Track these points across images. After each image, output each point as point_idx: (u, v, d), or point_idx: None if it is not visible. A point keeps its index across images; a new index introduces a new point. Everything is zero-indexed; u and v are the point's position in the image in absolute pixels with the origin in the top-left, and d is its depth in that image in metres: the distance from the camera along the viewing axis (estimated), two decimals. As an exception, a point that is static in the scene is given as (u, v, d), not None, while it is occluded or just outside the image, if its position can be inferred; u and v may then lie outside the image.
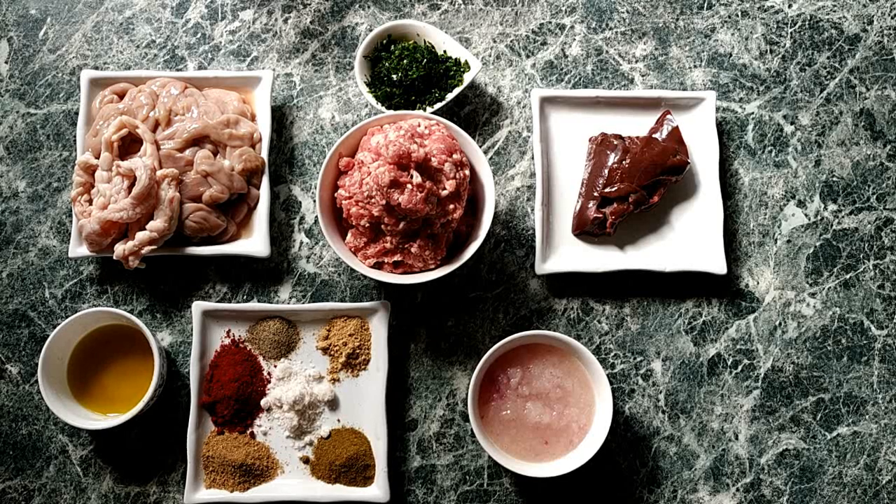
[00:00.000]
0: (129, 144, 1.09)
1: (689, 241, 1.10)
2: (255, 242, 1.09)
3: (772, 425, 1.08)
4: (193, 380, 1.05)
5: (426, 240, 1.00)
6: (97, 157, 1.08)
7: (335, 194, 1.02)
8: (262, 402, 1.06)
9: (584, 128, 1.14)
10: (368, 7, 1.21)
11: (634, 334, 1.10)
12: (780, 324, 1.10)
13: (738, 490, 1.06)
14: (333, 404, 1.07)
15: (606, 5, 1.21)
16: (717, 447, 1.07)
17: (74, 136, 1.15)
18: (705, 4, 1.21)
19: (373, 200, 0.96)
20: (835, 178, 1.15)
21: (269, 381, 1.07)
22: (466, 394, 1.04)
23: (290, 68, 1.18)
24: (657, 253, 1.10)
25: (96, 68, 1.18)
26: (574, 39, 1.19)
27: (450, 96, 1.12)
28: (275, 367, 1.07)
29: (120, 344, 1.05)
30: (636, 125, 1.13)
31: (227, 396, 1.04)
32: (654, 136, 1.10)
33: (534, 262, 1.09)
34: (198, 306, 1.06)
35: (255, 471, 1.03)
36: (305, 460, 1.05)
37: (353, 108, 1.17)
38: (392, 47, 1.14)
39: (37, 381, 1.05)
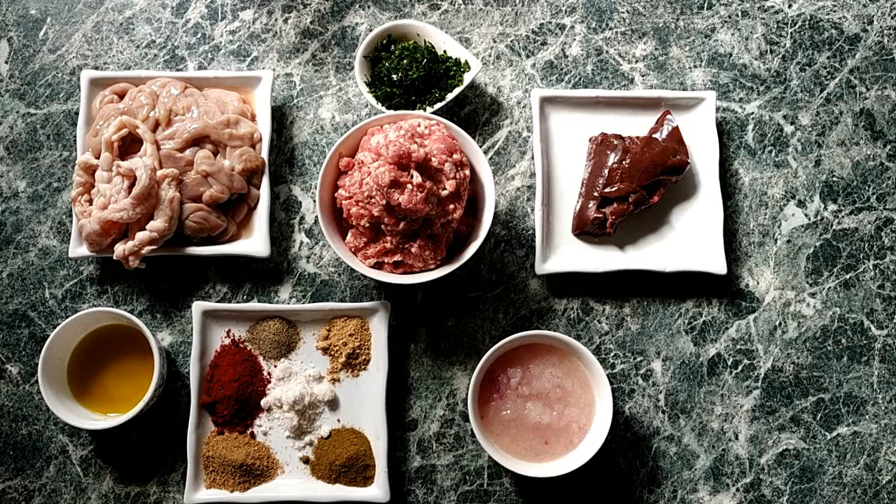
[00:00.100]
0: (129, 144, 1.09)
1: (689, 241, 1.10)
2: (255, 242, 1.09)
3: (772, 425, 1.08)
4: (193, 380, 1.05)
5: (426, 240, 1.00)
6: (97, 157, 1.08)
7: (335, 194, 1.02)
8: (262, 402, 1.06)
9: (584, 128, 1.14)
10: (368, 7, 1.21)
11: (634, 334, 1.10)
12: (780, 324, 1.10)
13: (738, 490, 1.06)
14: (333, 404, 1.07)
15: (606, 5, 1.21)
16: (717, 447, 1.07)
17: (74, 136, 1.15)
18: (705, 4, 1.21)
19: (373, 200, 0.97)
20: (835, 178, 1.15)
21: (269, 381, 1.07)
22: (466, 394, 1.04)
23: (290, 68, 1.18)
24: (657, 253, 1.10)
25: (96, 68, 1.18)
26: (574, 39, 1.20)
27: (450, 96, 1.12)
28: (275, 367, 1.07)
29: (120, 344, 1.05)
30: (636, 125, 1.13)
31: (228, 396, 1.04)
32: (654, 136, 1.10)
33: (534, 262, 1.09)
34: (198, 306, 1.06)
35: (256, 471, 1.03)
36: (305, 460, 1.05)
37: (353, 108, 1.17)
38: (392, 47, 1.14)
39: (37, 381, 1.05)
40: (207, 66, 1.18)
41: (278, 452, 1.05)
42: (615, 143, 1.10)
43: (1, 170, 1.15)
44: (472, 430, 1.05)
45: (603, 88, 1.18)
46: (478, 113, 1.17)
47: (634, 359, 1.09)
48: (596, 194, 1.09)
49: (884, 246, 1.13)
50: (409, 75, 1.11)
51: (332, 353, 1.07)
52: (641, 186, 1.08)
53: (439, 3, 1.21)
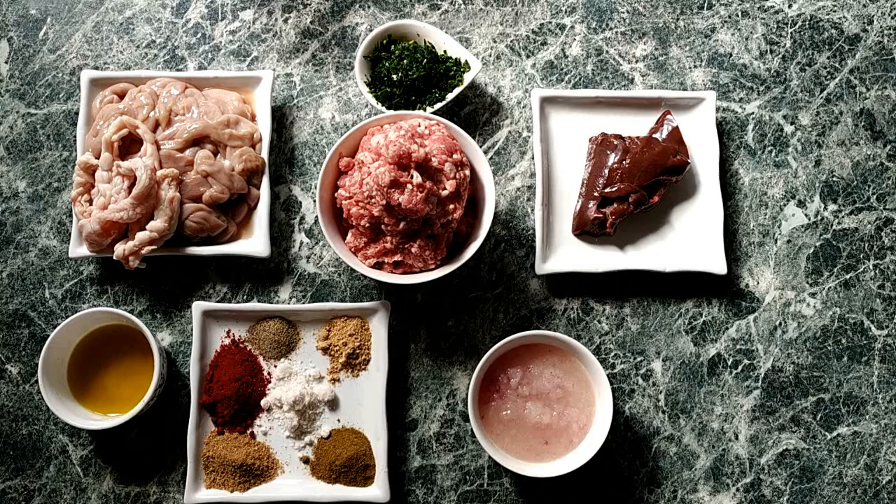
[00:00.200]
0: (129, 144, 1.09)
1: (689, 241, 1.10)
2: (255, 242, 1.09)
3: (772, 425, 1.08)
4: (193, 380, 1.05)
5: (426, 240, 1.00)
6: (97, 157, 1.08)
7: (335, 194, 1.02)
8: (263, 402, 1.06)
9: (584, 128, 1.14)
10: (368, 7, 1.21)
11: (634, 334, 1.10)
12: (780, 324, 1.10)
13: (738, 490, 1.06)
14: (333, 404, 1.07)
15: (606, 5, 1.21)
16: (717, 447, 1.07)
17: (74, 136, 1.15)
18: (705, 4, 1.21)
19: (373, 200, 0.96)
20: (835, 178, 1.15)
21: (270, 381, 1.07)
22: (466, 394, 1.04)
23: (290, 68, 1.18)
24: (657, 253, 1.10)
25: (96, 68, 1.18)
26: (574, 39, 1.20)
27: (450, 96, 1.12)
28: (275, 367, 1.07)
29: (120, 344, 1.05)
30: (636, 125, 1.14)
31: (228, 396, 1.04)
32: (654, 136, 1.10)
33: (534, 262, 1.09)
34: (198, 306, 1.06)
35: (256, 471, 1.03)
36: (305, 460, 1.05)
37: (353, 108, 1.17)
38: (392, 47, 1.14)
39: (37, 381, 1.05)
40: (207, 66, 1.18)
41: (278, 452, 1.05)
42: (615, 143, 1.10)
43: (1, 170, 1.15)
44: (472, 430, 1.05)
45: (603, 88, 1.18)
46: (478, 113, 1.17)
47: (634, 359, 1.09)
48: (596, 194, 1.09)
49: (884, 246, 1.13)
50: (409, 75, 1.11)
51: (332, 353, 1.07)
52: (641, 186, 1.08)
53: (439, 3, 1.21)
